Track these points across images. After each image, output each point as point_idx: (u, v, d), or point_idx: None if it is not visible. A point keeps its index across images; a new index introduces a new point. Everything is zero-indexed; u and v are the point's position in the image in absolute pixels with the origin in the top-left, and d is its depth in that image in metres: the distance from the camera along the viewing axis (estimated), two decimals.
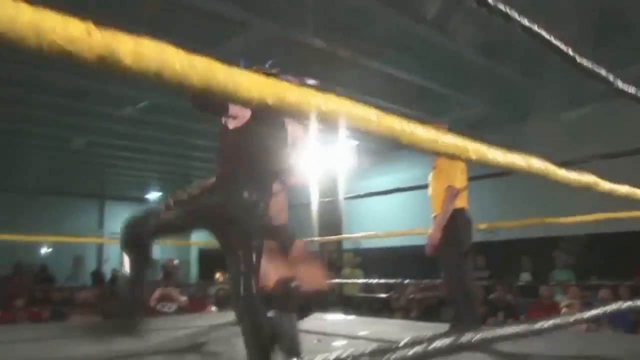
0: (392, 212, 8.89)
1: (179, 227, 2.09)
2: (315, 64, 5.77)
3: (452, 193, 3.37)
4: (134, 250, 1.99)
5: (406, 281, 6.27)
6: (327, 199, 7.36)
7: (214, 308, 6.33)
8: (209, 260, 10.51)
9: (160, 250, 8.96)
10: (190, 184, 2.07)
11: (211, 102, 2.04)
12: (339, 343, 3.28)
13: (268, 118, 2.09)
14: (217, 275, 7.28)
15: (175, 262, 6.07)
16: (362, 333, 3.60)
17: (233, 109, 2.07)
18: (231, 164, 2.07)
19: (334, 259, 8.86)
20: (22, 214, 10.65)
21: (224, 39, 5.45)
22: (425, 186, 3.72)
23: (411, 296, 6.30)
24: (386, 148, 8.85)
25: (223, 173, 2.07)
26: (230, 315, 4.62)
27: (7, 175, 10.67)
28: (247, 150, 2.05)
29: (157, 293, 5.49)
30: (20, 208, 10.98)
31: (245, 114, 2.08)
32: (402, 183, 5.70)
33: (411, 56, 6.20)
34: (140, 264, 1.99)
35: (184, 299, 5.82)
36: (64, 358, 2.49)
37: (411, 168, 8.63)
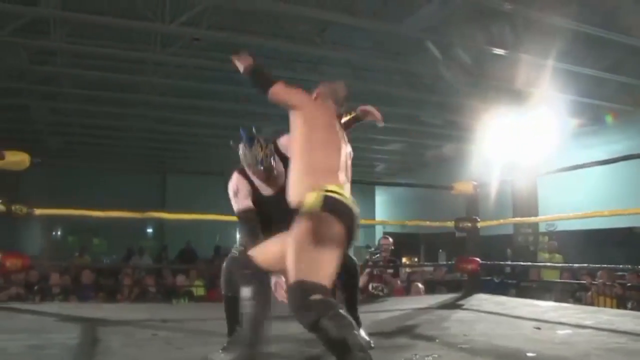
0: (592, 191, 7.89)
1: None
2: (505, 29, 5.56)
3: None
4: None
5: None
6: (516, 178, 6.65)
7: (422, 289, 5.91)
8: None
9: None
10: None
11: None
12: (563, 332, 2.91)
13: None
14: None
15: (389, 239, 5.57)
16: (588, 322, 3.14)
17: None
18: None
19: (530, 242, 8.12)
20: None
21: (414, 10, 5.40)
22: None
23: (629, 284, 5.42)
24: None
25: None
26: (438, 298, 4.40)
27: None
28: None
29: (367, 274, 4.99)
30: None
31: None
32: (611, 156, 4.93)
33: None
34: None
35: (397, 281, 5.45)
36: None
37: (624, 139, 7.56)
